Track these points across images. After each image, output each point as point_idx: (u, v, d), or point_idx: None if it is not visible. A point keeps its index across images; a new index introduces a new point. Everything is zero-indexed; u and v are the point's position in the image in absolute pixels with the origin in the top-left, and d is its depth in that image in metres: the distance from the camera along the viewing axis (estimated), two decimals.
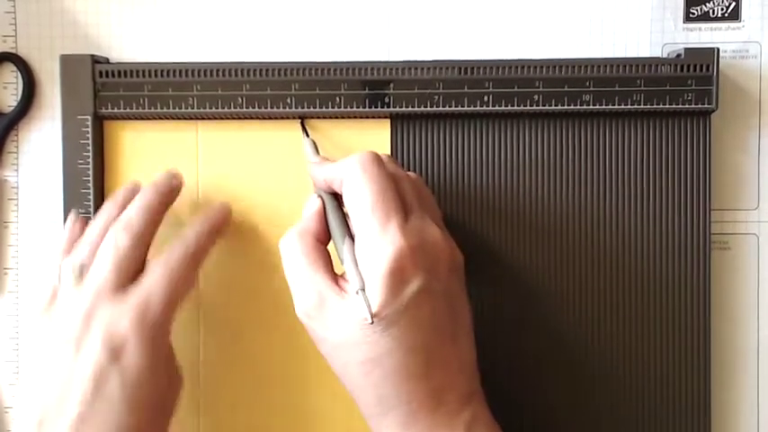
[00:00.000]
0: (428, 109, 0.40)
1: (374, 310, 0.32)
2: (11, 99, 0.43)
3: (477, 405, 0.34)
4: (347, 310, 0.33)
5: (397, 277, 0.32)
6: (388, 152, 0.41)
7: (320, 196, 0.37)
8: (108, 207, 0.39)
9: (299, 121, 0.41)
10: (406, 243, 0.33)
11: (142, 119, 0.41)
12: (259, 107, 0.40)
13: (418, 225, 0.34)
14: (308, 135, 0.41)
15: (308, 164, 0.38)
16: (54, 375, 0.34)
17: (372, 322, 0.32)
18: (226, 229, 0.40)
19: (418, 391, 0.33)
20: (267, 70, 0.40)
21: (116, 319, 0.35)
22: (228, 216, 0.41)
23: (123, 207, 0.38)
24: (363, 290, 0.32)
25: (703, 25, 0.41)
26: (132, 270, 0.36)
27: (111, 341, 0.34)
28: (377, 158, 0.35)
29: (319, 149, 0.40)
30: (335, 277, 0.34)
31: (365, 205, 0.34)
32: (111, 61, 0.42)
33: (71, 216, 0.40)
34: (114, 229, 0.37)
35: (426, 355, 0.33)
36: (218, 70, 0.40)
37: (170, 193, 0.39)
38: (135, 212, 0.37)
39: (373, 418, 0.34)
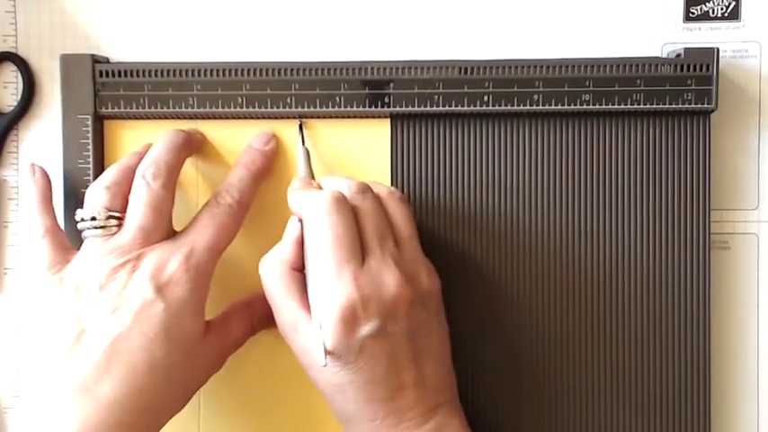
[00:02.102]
0: (428, 109, 0.40)
1: (330, 347, 0.34)
2: (11, 99, 0.43)
3: (443, 416, 0.36)
4: (313, 340, 0.34)
5: (348, 324, 0.34)
6: (388, 152, 0.41)
7: (300, 220, 0.37)
8: (122, 160, 0.39)
9: (299, 124, 0.41)
10: (357, 294, 0.34)
11: (142, 118, 0.41)
12: (259, 107, 0.40)
13: (375, 270, 0.34)
14: (304, 142, 0.41)
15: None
16: (98, 301, 0.35)
17: (325, 364, 0.33)
18: (268, 174, 0.41)
19: (380, 411, 0.35)
20: (267, 70, 0.40)
21: (164, 260, 0.36)
22: (270, 161, 0.41)
23: (138, 157, 0.39)
24: (320, 327, 0.34)
25: (703, 25, 0.41)
26: (167, 210, 0.37)
27: (158, 277, 0.35)
28: (338, 202, 0.35)
29: (319, 152, 0.40)
30: (309, 307, 0.35)
31: (321, 250, 0.35)
32: (111, 61, 0.42)
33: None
34: (144, 169, 0.37)
35: (386, 385, 0.35)
36: (218, 70, 0.40)
37: (192, 136, 0.40)
38: (160, 150, 0.38)
39: (343, 425, 0.37)
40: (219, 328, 0.38)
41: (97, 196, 0.37)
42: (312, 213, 0.35)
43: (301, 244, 0.36)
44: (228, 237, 0.38)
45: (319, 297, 0.34)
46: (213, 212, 0.38)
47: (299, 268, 0.36)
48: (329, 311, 0.34)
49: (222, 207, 0.38)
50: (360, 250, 0.35)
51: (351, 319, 0.34)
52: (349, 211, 0.35)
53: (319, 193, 0.36)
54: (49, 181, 0.39)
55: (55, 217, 0.39)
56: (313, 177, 0.40)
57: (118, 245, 0.36)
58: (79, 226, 0.37)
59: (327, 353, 0.34)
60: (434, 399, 0.36)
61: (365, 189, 0.37)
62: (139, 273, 0.35)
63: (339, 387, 0.35)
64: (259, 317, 0.39)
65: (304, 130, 0.41)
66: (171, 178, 0.38)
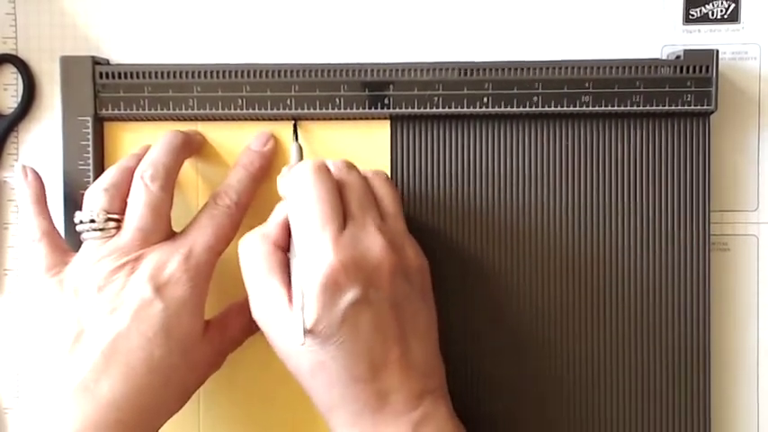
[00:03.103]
0: (428, 110, 0.40)
1: (310, 325, 0.33)
2: (11, 100, 0.43)
3: (430, 405, 0.35)
4: (292, 319, 0.34)
5: (330, 291, 0.33)
6: (388, 153, 0.41)
7: None
8: (120, 162, 0.39)
9: (293, 124, 0.41)
10: (336, 257, 0.33)
11: (142, 120, 0.42)
12: (259, 108, 0.40)
13: (355, 235, 0.34)
14: (297, 139, 0.41)
15: None
16: (97, 302, 0.35)
17: (303, 343, 0.33)
18: (267, 175, 0.41)
19: (362, 393, 0.34)
20: (267, 72, 0.40)
21: (163, 260, 0.36)
22: (269, 161, 0.41)
23: (137, 159, 0.39)
24: (302, 309, 0.33)
25: (703, 27, 0.41)
26: (166, 211, 0.37)
27: (156, 278, 0.35)
28: (320, 168, 0.35)
29: (318, 153, 0.40)
30: (289, 287, 0.35)
31: (299, 219, 0.34)
32: (111, 63, 0.42)
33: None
34: (142, 171, 0.37)
35: (370, 360, 0.34)
36: (218, 72, 0.40)
37: (191, 137, 0.40)
38: (159, 152, 0.38)
39: (324, 416, 0.35)
40: (218, 328, 0.38)
41: (96, 198, 0.37)
42: (294, 181, 0.35)
43: (287, 226, 0.36)
44: (227, 237, 0.38)
45: (300, 269, 0.34)
46: (212, 213, 0.38)
47: (284, 248, 0.36)
48: (311, 282, 0.33)
49: (221, 208, 0.38)
50: (341, 215, 0.34)
51: (332, 286, 0.33)
52: (331, 178, 0.35)
53: (303, 162, 0.36)
54: (41, 182, 0.39)
55: (51, 219, 0.39)
56: None
57: (117, 247, 0.36)
58: (78, 228, 0.37)
59: (308, 331, 0.33)
60: (421, 383, 0.35)
61: (350, 165, 0.37)
62: (138, 273, 0.35)
63: (321, 366, 0.34)
64: None
65: (298, 129, 0.41)
66: (169, 180, 0.38)
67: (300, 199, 0.34)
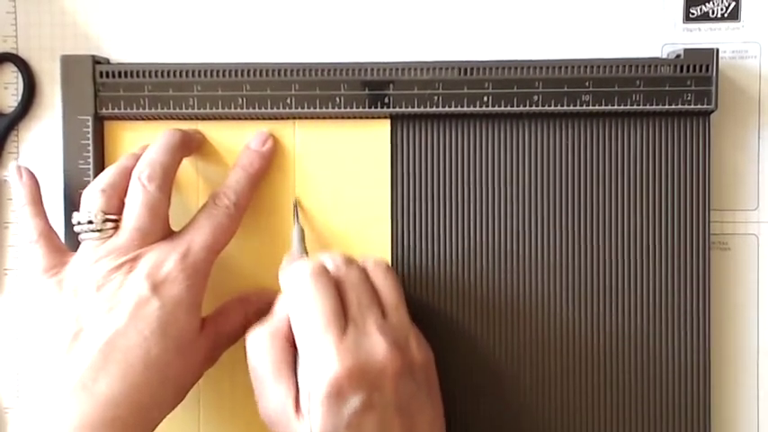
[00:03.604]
0: (428, 109, 0.40)
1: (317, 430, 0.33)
2: (11, 99, 0.43)
3: None
4: (300, 430, 0.33)
5: (334, 399, 0.33)
6: (388, 153, 0.41)
7: None
8: (118, 162, 0.39)
9: (294, 203, 0.41)
10: (341, 365, 0.33)
11: (142, 119, 0.42)
12: (259, 107, 0.40)
13: (357, 339, 0.34)
14: (297, 220, 0.40)
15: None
16: (95, 301, 0.35)
17: None
18: (266, 174, 0.41)
19: None
20: (267, 71, 0.40)
21: (161, 259, 0.36)
22: (268, 161, 0.41)
23: (134, 159, 0.39)
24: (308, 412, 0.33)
25: (703, 25, 0.41)
26: (163, 211, 0.37)
27: (154, 276, 0.35)
28: (317, 271, 0.35)
29: (319, 154, 0.40)
30: (297, 389, 0.34)
31: (300, 324, 0.34)
32: (111, 62, 0.42)
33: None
34: (139, 171, 0.37)
35: None
36: (218, 71, 0.40)
37: (189, 135, 0.40)
38: (156, 151, 0.38)
39: None
40: (214, 325, 0.38)
41: (93, 199, 0.37)
42: (293, 284, 0.35)
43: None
44: (226, 237, 0.38)
45: (306, 372, 0.34)
46: (211, 213, 0.38)
47: (292, 342, 0.35)
48: (315, 388, 0.33)
49: (220, 208, 0.38)
50: (342, 319, 0.34)
51: (336, 394, 0.33)
52: (330, 280, 0.35)
53: (301, 263, 0.36)
54: (36, 182, 0.39)
55: (47, 219, 0.39)
56: (306, 254, 0.39)
57: (115, 247, 0.36)
58: (76, 229, 0.37)
59: None
60: None
61: (349, 261, 0.36)
62: (136, 272, 0.35)
63: None
64: (255, 311, 0.39)
65: (298, 128, 0.41)
66: (166, 180, 0.38)
67: (300, 304, 0.34)
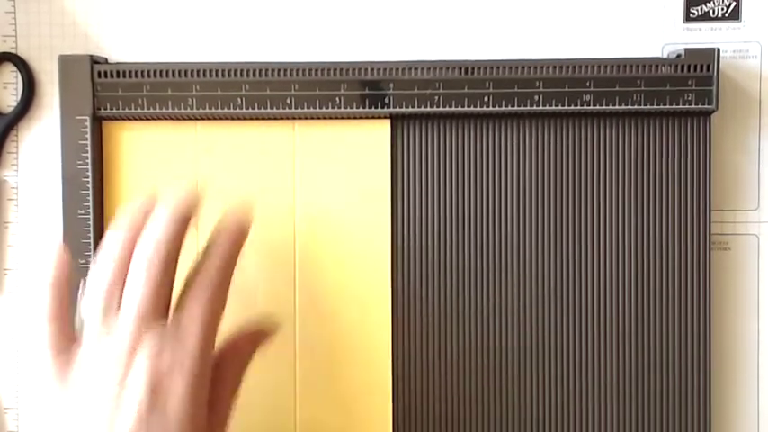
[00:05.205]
0: (428, 109, 0.40)
1: None
2: (11, 99, 0.43)
3: None
4: None
5: None
6: (388, 153, 0.41)
7: None
8: (117, 236, 0.36)
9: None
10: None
11: (141, 119, 0.41)
12: (258, 108, 0.40)
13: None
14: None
15: None
16: (94, 415, 0.33)
17: None
18: (246, 241, 0.38)
19: None
20: (266, 71, 0.40)
21: (159, 354, 0.33)
22: (249, 227, 0.38)
23: (136, 231, 0.36)
24: None
25: (703, 25, 0.41)
26: (166, 294, 0.35)
27: (154, 379, 0.33)
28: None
29: (318, 154, 0.40)
30: None
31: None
32: (110, 61, 0.42)
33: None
34: (142, 253, 0.34)
35: None
36: (217, 71, 0.40)
37: (192, 201, 0.37)
38: (160, 230, 0.35)
39: None
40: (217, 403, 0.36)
41: (96, 303, 0.35)
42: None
43: None
44: (221, 309, 0.36)
45: None
46: (200, 298, 0.35)
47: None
48: None
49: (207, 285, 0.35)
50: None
51: None
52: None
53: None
54: (69, 265, 0.36)
55: (66, 302, 0.36)
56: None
57: (117, 341, 0.34)
58: (79, 323, 0.35)
59: None
60: None
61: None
62: (137, 378, 0.33)
63: None
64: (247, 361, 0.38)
65: (298, 128, 0.41)
66: (171, 261, 0.35)
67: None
